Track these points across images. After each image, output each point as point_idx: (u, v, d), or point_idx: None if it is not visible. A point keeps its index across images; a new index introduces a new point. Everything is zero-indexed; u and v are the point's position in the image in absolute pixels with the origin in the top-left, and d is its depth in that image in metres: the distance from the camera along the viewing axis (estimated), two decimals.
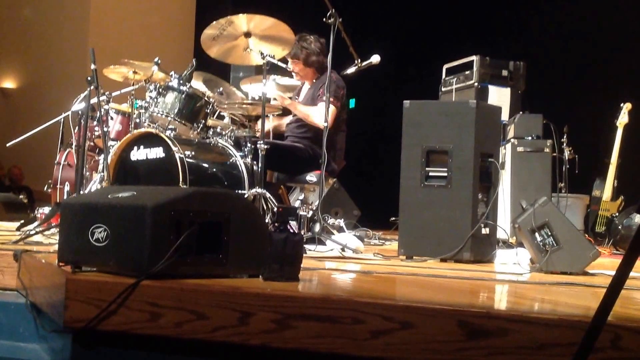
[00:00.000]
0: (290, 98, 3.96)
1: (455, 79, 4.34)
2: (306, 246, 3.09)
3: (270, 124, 4.04)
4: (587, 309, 1.72)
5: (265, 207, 3.32)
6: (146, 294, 1.69)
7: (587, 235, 4.15)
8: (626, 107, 4.49)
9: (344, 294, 1.73)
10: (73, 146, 4.10)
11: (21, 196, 5.86)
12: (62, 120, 4.20)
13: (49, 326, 1.92)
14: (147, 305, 1.68)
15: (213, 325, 1.65)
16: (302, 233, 3.12)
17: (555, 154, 4.07)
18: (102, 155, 3.59)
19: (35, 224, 3.33)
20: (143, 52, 4.50)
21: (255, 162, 3.52)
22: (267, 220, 3.21)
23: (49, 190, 4.40)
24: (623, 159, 4.40)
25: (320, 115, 3.82)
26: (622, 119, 4.45)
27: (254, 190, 3.37)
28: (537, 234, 2.56)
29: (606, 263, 2.73)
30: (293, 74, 4.01)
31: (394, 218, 3.53)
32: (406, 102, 3.07)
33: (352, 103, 4.16)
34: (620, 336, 1.38)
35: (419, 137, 3.01)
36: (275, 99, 3.86)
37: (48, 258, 2.14)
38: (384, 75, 3.82)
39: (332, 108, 3.77)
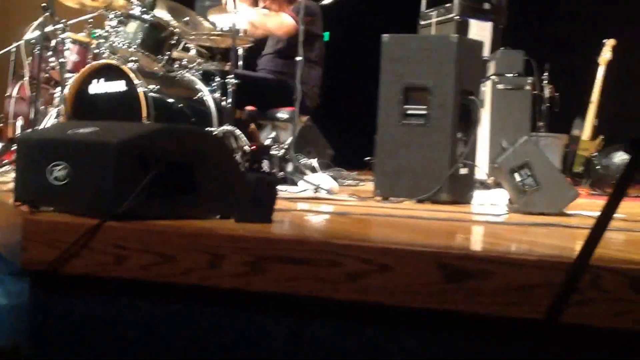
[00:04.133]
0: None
1: (435, 11, 4.19)
2: (278, 187, 3.02)
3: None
4: (565, 249, 1.71)
5: (235, 145, 3.20)
6: (110, 235, 1.62)
7: (565, 176, 4.13)
8: (609, 43, 4.39)
9: (320, 236, 1.68)
10: (26, 78, 3.89)
11: None
12: (13, 50, 3.96)
13: (5, 268, 1.85)
14: (111, 247, 1.61)
15: (182, 268, 1.58)
16: (275, 172, 3.03)
17: (535, 92, 4.01)
18: (59, 88, 3.38)
19: None
20: None
21: (224, 98, 3.36)
22: (237, 159, 3.11)
23: (1, 125, 4.19)
24: (604, 98, 4.35)
25: (274, 22, 3.67)
26: (605, 56, 4.36)
27: (223, 128, 3.24)
28: (516, 174, 2.51)
29: (584, 204, 2.72)
30: (268, 10, 3.82)
31: (369, 158, 3.45)
32: (385, 36, 2.94)
33: (326, 36, 3.99)
34: (600, 276, 1.36)
35: (398, 73, 2.90)
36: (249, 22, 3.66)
37: (2, 197, 2.03)
38: (360, 8, 3.66)
39: (289, 19, 3.63)
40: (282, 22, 3.68)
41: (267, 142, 3.63)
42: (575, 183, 4.07)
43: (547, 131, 4.27)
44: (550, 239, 1.93)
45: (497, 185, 3.03)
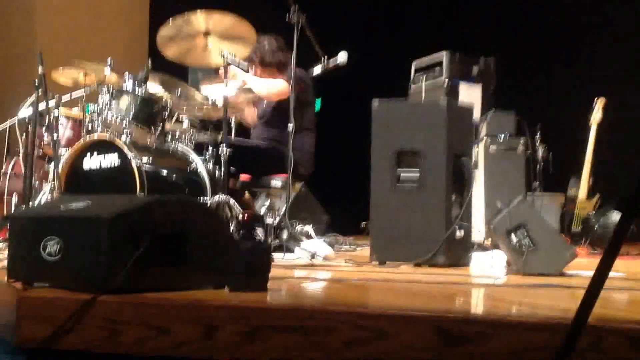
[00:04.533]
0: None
1: (424, 75, 4.28)
2: (274, 254, 2.99)
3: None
4: (566, 310, 1.67)
5: (230, 215, 3.19)
6: (104, 310, 1.60)
7: (563, 235, 4.11)
8: (600, 102, 4.45)
9: (315, 303, 1.66)
10: (20, 155, 3.92)
11: None
12: (7, 127, 4.00)
13: (1, 348, 1.80)
14: (105, 322, 1.59)
15: (177, 341, 1.56)
16: (270, 241, 3.01)
17: (529, 152, 4.04)
18: (52, 164, 3.40)
19: None
20: (94, 53, 4.29)
21: (217, 167, 3.38)
22: (232, 228, 3.10)
23: None
24: (598, 157, 4.38)
25: (266, 85, 3.72)
26: (596, 115, 4.42)
27: (217, 197, 3.24)
28: (513, 235, 2.50)
29: (584, 263, 2.69)
30: None
31: (364, 223, 3.44)
32: (375, 101, 3.00)
33: (318, 103, 4.06)
34: (601, 338, 1.34)
35: (389, 138, 2.94)
36: (234, 75, 3.73)
37: None
38: (351, 73, 3.74)
39: (281, 83, 3.69)
40: (276, 85, 3.76)
41: (262, 210, 3.62)
42: (574, 242, 4.05)
43: (543, 191, 4.28)
44: (551, 300, 1.90)
45: (495, 246, 3.01)
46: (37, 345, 1.58)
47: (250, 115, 4.13)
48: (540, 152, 4.24)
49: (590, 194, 4.38)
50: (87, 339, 1.58)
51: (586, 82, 5.32)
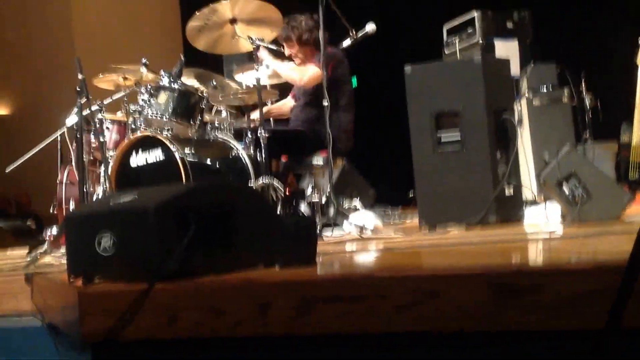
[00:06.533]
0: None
1: (457, 38, 4.19)
2: (323, 232, 3.00)
3: (267, 108, 3.94)
4: (625, 253, 1.61)
5: (275, 197, 3.21)
6: (161, 297, 1.62)
7: (621, 185, 3.96)
8: None
9: (365, 271, 1.65)
10: (73, 162, 4.03)
11: (29, 222, 5.82)
12: (58, 137, 4.13)
13: (68, 345, 1.87)
14: (163, 309, 1.62)
15: (233, 321, 1.57)
16: (317, 219, 3.02)
17: (574, 103, 3.90)
18: (102, 166, 3.51)
19: (45, 246, 3.28)
20: (131, 56, 4.38)
21: (258, 152, 3.41)
22: (278, 209, 3.12)
23: (55, 211, 4.34)
24: None
25: (299, 72, 3.71)
26: None
27: (261, 181, 3.26)
28: (564, 186, 2.43)
29: None
30: (294, 59, 3.90)
31: (411, 193, 3.40)
32: (407, 68, 2.96)
33: (354, 81, 4.03)
34: None
35: (426, 102, 2.89)
36: (267, 65, 3.74)
37: (59, 276, 2.09)
38: (382, 45, 3.68)
39: (314, 68, 3.67)
40: (307, 72, 3.75)
41: (308, 189, 3.63)
42: (632, 190, 3.90)
43: (594, 141, 4.13)
44: (609, 246, 1.85)
45: (548, 200, 2.93)
46: (101, 338, 1.61)
47: (282, 110, 4.13)
48: (587, 101, 4.08)
49: None
50: (147, 327, 1.61)
51: (626, 22, 5.08)
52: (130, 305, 1.62)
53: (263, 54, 3.63)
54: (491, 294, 1.38)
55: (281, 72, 3.80)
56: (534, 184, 3.34)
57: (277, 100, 4.06)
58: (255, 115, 3.59)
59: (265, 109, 3.81)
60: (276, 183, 3.24)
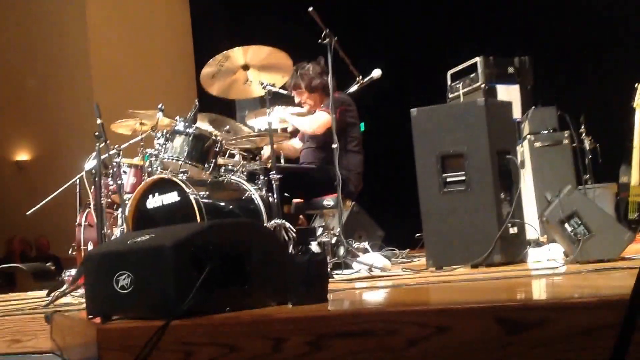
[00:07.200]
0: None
1: (461, 83, 4.30)
2: (333, 272, 3.05)
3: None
4: (628, 288, 1.65)
5: (286, 238, 3.28)
6: (177, 333, 1.67)
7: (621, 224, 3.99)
8: None
9: (375, 307, 1.68)
10: (91, 205, 4.12)
11: (49, 264, 5.89)
12: (77, 181, 4.23)
13: None
14: (179, 345, 1.66)
15: (248, 357, 1.61)
16: (326, 255, 3.07)
17: (575, 145, 3.98)
18: (120, 209, 3.60)
19: (64, 286, 3.33)
20: (148, 102, 4.53)
21: (270, 194, 3.50)
22: (290, 250, 3.18)
23: (74, 254, 4.41)
24: None
25: (309, 122, 3.81)
26: (639, 100, 4.33)
27: (273, 222, 3.34)
28: (566, 225, 2.48)
29: None
30: (303, 106, 4.01)
31: (419, 234, 3.46)
32: (413, 110, 3.04)
33: (362, 126, 4.14)
34: None
35: (431, 143, 2.97)
36: (281, 120, 3.85)
37: (78, 314, 2.14)
38: (388, 91, 3.79)
39: (323, 115, 3.77)
40: (318, 119, 3.84)
41: (318, 230, 3.70)
42: (632, 230, 3.94)
43: (595, 182, 4.19)
44: (611, 281, 1.89)
45: (551, 241, 2.98)
46: None
47: (291, 147, 4.23)
48: (586, 144, 4.17)
49: None
50: None
51: (625, 67, 5.20)
52: (148, 341, 1.66)
53: (278, 110, 3.74)
54: (498, 328, 1.42)
55: (294, 123, 3.91)
56: (536, 224, 3.39)
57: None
58: (265, 151, 3.67)
59: (290, 120, 3.89)
60: (287, 224, 3.31)
